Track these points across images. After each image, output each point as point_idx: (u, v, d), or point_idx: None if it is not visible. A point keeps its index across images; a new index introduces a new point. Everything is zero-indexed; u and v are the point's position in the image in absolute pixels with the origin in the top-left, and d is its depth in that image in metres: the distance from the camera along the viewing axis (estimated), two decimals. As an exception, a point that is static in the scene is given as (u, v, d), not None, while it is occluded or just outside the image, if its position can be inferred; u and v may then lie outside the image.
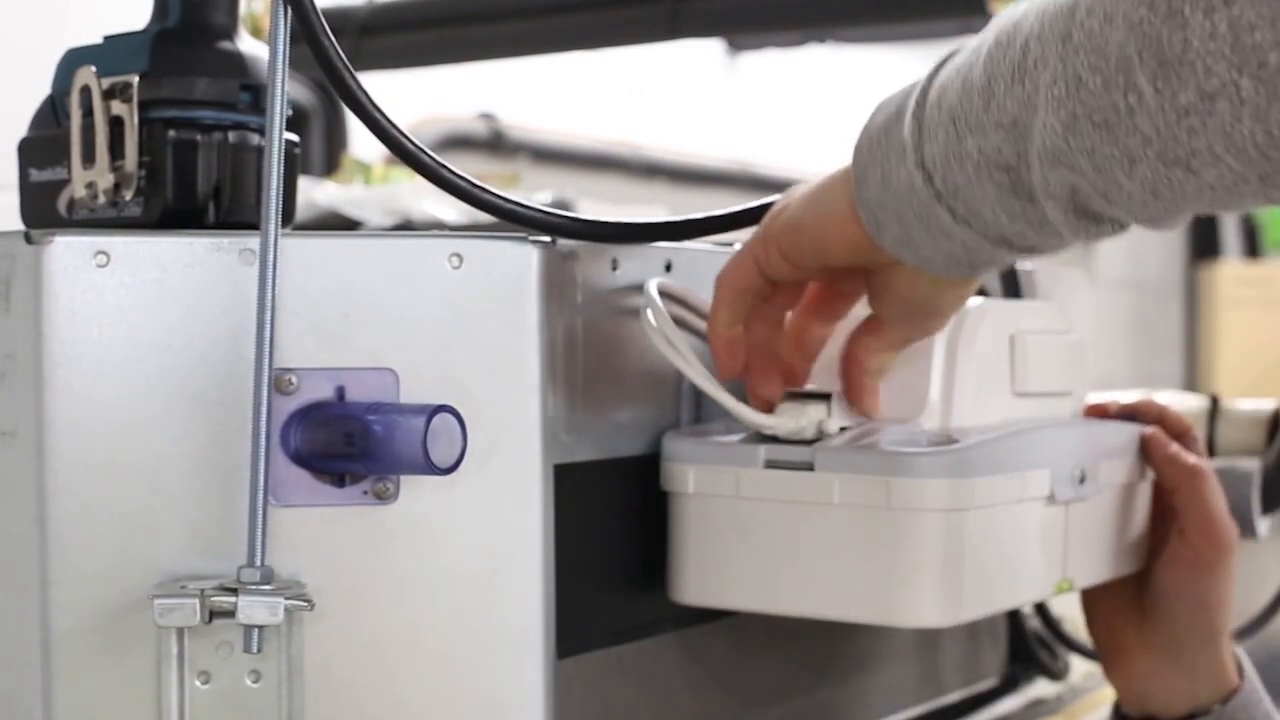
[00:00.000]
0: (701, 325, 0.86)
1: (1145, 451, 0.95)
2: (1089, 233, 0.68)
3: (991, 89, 0.67)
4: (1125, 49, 0.61)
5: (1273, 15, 0.57)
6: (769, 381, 0.82)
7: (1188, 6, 0.59)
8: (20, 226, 0.77)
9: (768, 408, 0.82)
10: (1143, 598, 0.95)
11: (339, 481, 0.71)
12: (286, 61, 0.71)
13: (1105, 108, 0.62)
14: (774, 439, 0.81)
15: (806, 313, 0.83)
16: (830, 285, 0.82)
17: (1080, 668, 1.25)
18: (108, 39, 0.80)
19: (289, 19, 0.71)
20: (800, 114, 4.14)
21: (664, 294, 0.82)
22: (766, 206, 0.81)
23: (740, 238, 0.85)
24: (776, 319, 0.82)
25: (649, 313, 0.80)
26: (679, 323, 0.84)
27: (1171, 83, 0.60)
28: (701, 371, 0.79)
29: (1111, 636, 0.98)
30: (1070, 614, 1.23)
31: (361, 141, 2.58)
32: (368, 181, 2.19)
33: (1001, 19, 0.69)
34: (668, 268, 0.85)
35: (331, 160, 2.64)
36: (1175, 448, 0.95)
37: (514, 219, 0.75)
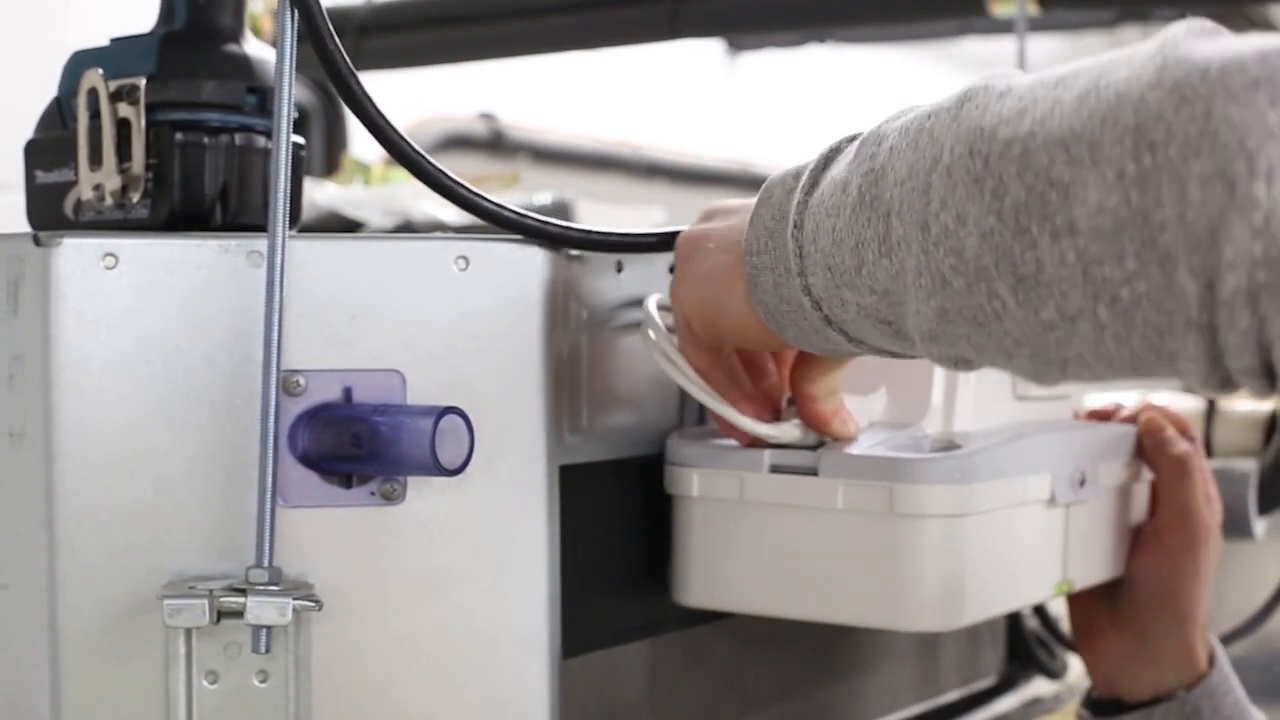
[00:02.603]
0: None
1: (1140, 435, 0.95)
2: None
3: (861, 255, 0.65)
4: (982, 258, 0.58)
5: (1118, 252, 0.53)
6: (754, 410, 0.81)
7: (1035, 227, 0.56)
8: (27, 228, 0.77)
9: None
10: (1117, 581, 0.96)
11: (346, 482, 0.71)
12: (294, 64, 0.71)
13: (973, 307, 0.60)
14: (778, 444, 0.81)
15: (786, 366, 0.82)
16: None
17: (1078, 667, 1.25)
18: (114, 41, 0.80)
19: (295, 21, 0.72)
20: (800, 114, 4.14)
21: (665, 308, 0.83)
22: None
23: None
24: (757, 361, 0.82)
25: (649, 330, 0.80)
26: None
27: (1032, 299, 0.57)
28: (703, 385, 0.80)
29: (1085, 617, 0.99)
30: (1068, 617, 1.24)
31: (361, 142, 2.58)
32: (367, 182, 2.19)
33: (864, 147, 0.67)
34: (671, 269, 0.86)
35: (331, 161, 2.64)
36: (1169, 433, 0.95)
37: (512, 227, 0.75)
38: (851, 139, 0.70)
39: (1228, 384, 0.53)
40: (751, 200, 0.74)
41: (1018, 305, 0.58)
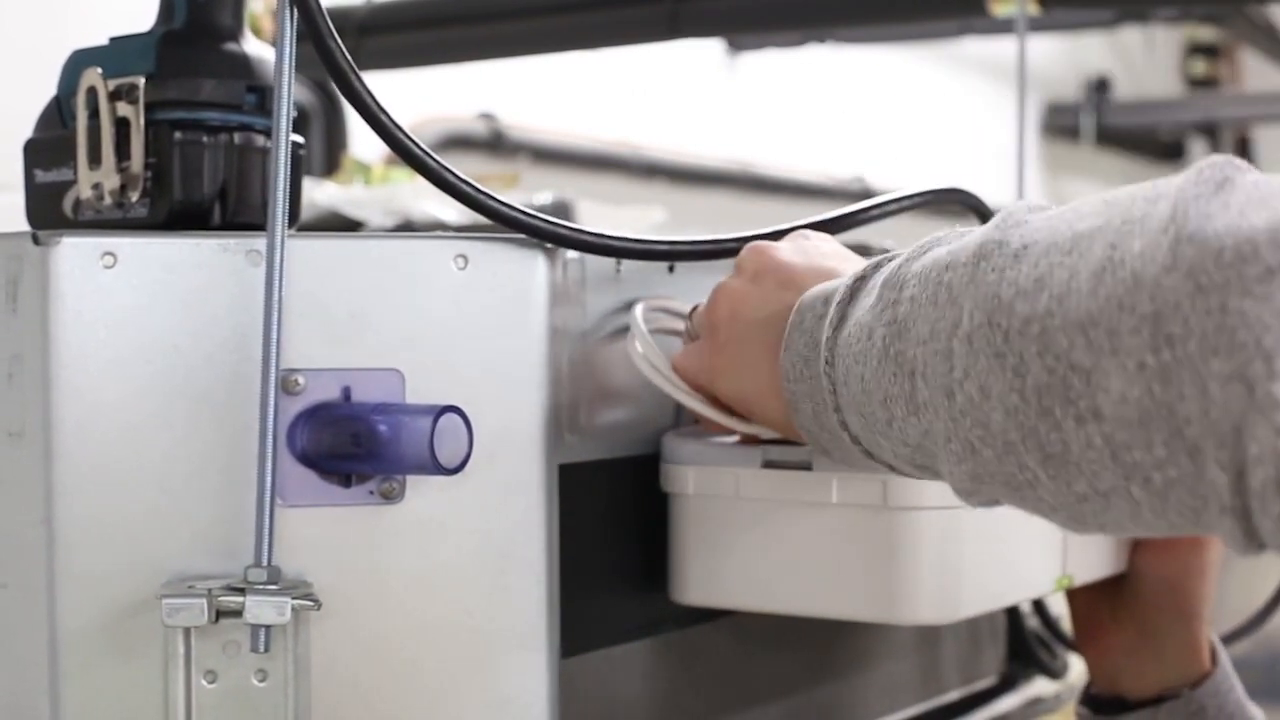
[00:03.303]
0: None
1: None
2: None
3: (890, 410, 0.65)
4: (1008, 433, 0.58)
5: (1146, 440, 0.53)
6: None
7: (1059, 409, 0.55)
8: (26, 227, 0.77)
9: None
10: (1120, 576, 0.96)
11: (345, 481, 0.71)
12: (293, 63, 0.71)
13: (1005, 474, 0.59)
14: (772, 440, 0.81)
15: None
16: None
17: (1079, 666, 1.25)
18: (113, 40, 0.80)
19: (294, 20, 0.72)
20: (800, 114, 4.14)
21: (657, 309, 0.83)
22: (766, 238, 0.81)
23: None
24: None
25: (635, 341, 0.80)
26: (675, 334, 0.84)
27: (1063, 474, 0.57)
28: (693, 395, 0.80)
29: (1087, 614, 0.98)
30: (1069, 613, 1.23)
31: (362, 142, 2.58)
32: (368, 182, 2.19)
33: (886, 290, 0.65)
34: (670, 269, 0.86)
35: (332, 160, 2.64)
36: None
37: (515, 225, 0.75)
38: (877, 265, 0.69)
39: (1263, 550, 0.53)
40: (794, 262, 0.75)
41: (1049, 479, 0.57)
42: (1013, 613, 1.18)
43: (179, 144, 0.76)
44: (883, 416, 0.65)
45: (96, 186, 0.76)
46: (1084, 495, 0.57)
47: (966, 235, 0.64)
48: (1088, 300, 0.54)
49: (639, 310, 0.81)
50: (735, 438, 0.83)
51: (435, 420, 0.68)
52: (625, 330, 0.82)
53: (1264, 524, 0.51)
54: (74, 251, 0.69)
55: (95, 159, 0.76)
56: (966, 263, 0.61)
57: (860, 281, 0.69)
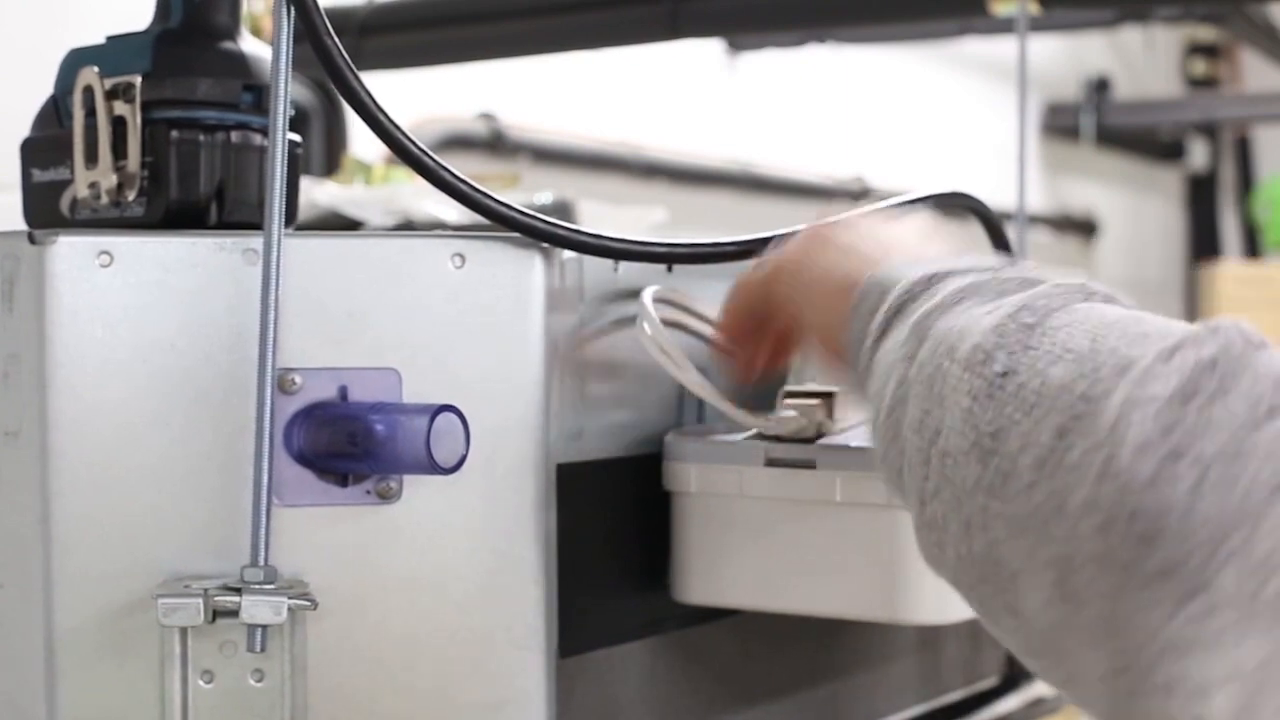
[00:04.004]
0: (701, 328, 0.86)
1: None
2: None
3: (894, 461, 0.62)
4: (957, 575, 0.57)
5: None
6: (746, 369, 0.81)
7: (993, 597, 0.54)
8: (23, 227, 0.77)
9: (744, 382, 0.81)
10: None
11: (342, 481, 0.71)
12: (290, 61, 0.71)
13: (960, 591, 0.58)
14: (776, 438, 0.81)
15: None
16: None
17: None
18: (110, 39, 0.80)
19: (292, 19, 0.71)
20: (800, 114, 4.14)
21: (663, 300, 0.83)
22: (761, 240, 0.81)
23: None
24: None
25: (644, 324, 0.80)
26: (677, 326, 0.84)
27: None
28: (699, 379, 0.80)
29: None
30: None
31: (362, 141, 2.58)
32: (368, 181, 2.19)
33: (912, 336, 0.62)
34: (669, 269, 0.86)
35: (332, 160, 2.64)
36: None
37: (513, 225, 0.75)
38: (931, 278, 0.65)
39: None
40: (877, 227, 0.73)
41: (988, 620, 0.57)
42: (1013, 613, 1.17)
43: (175, 143, 0.76)
44: (894, 451, 0.63)
45: (93, 185, 0.75)
46: (1019, 650, 0.55)
47: (991, 308, 0.59)
48: (1021, 495, 0.51)
49: (648, 294, 0.81)
50: (739, 435, 0.83)
51: (432, 420, 0.68)
52: (623, 329, 0.82)
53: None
54: (70, 251, 0.69)
55: (92, 158, 0.75)
56: (962, 362, 0.57)
57: (910, 295, 0.65)
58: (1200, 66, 6.01)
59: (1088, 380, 0.51)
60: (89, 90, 0.76)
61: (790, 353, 0.82)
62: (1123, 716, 0.48)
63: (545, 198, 2.18)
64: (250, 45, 0.79)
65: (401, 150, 0.74)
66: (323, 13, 0.72)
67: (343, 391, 0.71)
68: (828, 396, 0.82)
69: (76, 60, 0.79)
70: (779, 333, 0.79)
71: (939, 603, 0.79)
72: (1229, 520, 0.45)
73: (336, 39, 0.73)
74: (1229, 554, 0.45)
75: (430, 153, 0.75)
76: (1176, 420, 0.47)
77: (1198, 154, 6.14)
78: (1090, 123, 5.36)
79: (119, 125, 0.75)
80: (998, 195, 1.05)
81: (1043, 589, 0.50)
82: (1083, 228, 5.55)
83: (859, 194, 3.92)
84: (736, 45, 3.90)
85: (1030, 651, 0.53)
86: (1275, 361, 0.50)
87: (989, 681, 1.17)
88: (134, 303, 0.69)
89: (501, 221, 0.75)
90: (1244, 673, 0.44)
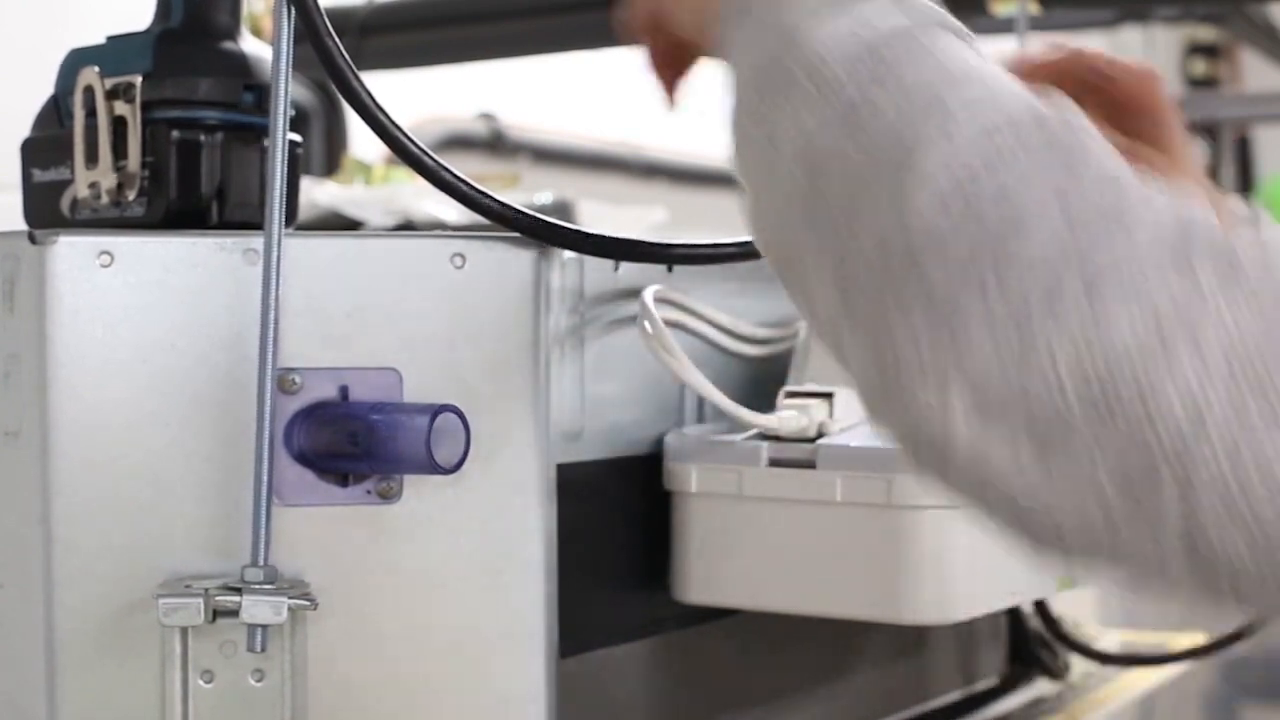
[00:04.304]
0: (701, 328, 0.86)
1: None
2: None
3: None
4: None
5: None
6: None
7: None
8: (23, 226, 0.77)
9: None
10: None
11: (343, 481, 0.71)
12: (290, 61, 0.71)
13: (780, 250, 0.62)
14: (776, 438, 0.81)
15: None
16: None
17: (1080, 667, 1.25)
18: (111, 39, 0.80)
19: (292, 19, 0.71)
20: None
21: (663, 300, 0.83)
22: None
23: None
24: None
25: (645, 323, 0.80)
26: (679, 327, 0.84)
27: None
28: (700, 378, 0.80)
29: None
30: (1070, 613, 1.23)
31: (362, 142, 2.58)
32: (368, 182, 2.19)
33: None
34: (669, 269, 0.86)
35: (332, 160, 2.64)
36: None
37: (512, 225, 0.75)
38: None
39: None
40: None
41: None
42: (1014, 613, 1.18)
43: (176, 143, 0.76)
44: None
45: (93, 185, 0.75)
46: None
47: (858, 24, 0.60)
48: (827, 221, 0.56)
49: (649, 293, 0.81)
50: (739, 435, 0.83)
51: (432, 419, 0.68)
52: (623, 329, 0.82)
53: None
54: (71, 251, 0.69)
55: (92, 158, 0.75)
56: (816, 81, 0.58)
57: None
58: (1200, 66, 6.01)
59: (912, 129, 0.55)
60: (89, 90, 0.76)
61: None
62: (882, 408, 0.54)
63: (545, 198, 2.18)
64: (250, 45, 0.79)
65: (401, 150, 0.74)
66: (323, 13, 0.72)
67: (343, 391, 0.71)
68: (828, 396, 0.82)
69: (77, 60, 0.79)
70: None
71: (939, 603, 0.79)
72: (983, 265, 0.51)
73: (337, 39, 0.73)
74: (978, 291, 0.51)
75: (430, 153, 0.75)
76: (974, 187, 0.53)
77: (1197, 153, 6.13)
78: (1090, 123, 5.35)
79: (119, 125, 0.75)
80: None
81: (823, 280, 0.56)
82: (1083, 228, 5.54)
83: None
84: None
85: (820, 335, 0.58)
86: (1088, 145, 0.54)
87: (988, 681, 1.17)
88: (134, 303, 0.69)
89: (501, 221, 0.75)
90: (979, 380, 0.51)
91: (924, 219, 0.53)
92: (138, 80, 0.75)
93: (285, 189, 0.70)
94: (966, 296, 0.51)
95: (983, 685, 1.16)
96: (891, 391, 0.53)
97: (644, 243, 0.80)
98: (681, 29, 0.76)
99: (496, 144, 3.20)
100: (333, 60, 0.73)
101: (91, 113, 0.75)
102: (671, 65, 0.82)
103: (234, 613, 0.66)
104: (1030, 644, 1.19)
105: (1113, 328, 0.50)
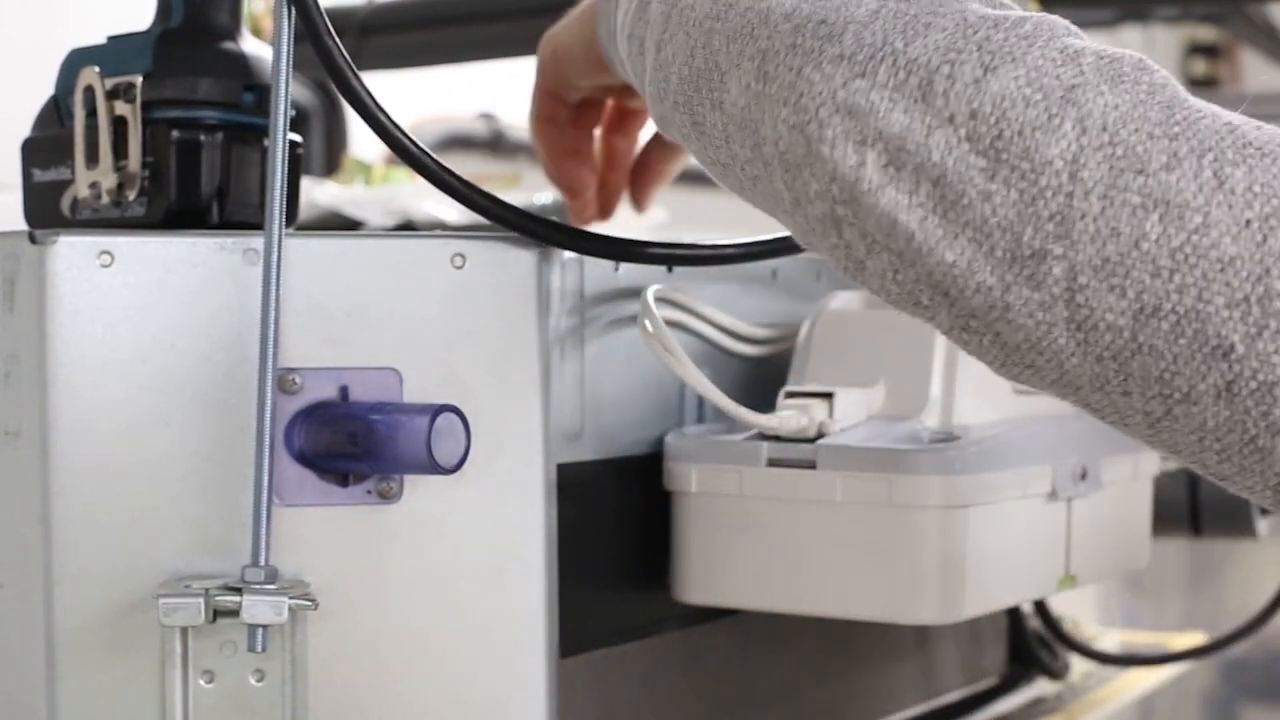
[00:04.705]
0: (702, 328, 0.86)
1: None
2: None
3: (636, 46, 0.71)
4: (677, 96, 0.66)
5: (743, 140, 0.63)
6: (584, 202, 0.92)
7: (704, 91, 0.64)
8: (23, 226, 0.77)
9: (587, 223, 0.89)
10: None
11: (343, 481, 0.71)
12: (290, 61, 0.71)
13: (676, 126, 0.68)
14: (776, 438, 0.81)
15: (609, 131, 0.92)
16: (619, 101, 0.91)
17: (1080, 667, 1.25)
18: (111, 39, 0.80)
19: (292, 19, 0.72)
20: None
21: (664, 300, 0.83)
22: (765, 243, 0.81)
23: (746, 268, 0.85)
24: (585, 142, 0.92)
25: (646, 322, 0.80)
26: (680, 326, 0.84)
27: (705, 142, 0.66)
28: (701, 378, 0.80)
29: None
30: (1070, 613, 1.23)
31: (362, 142, 2.58)
32: (368, 182, 2.19)
33: None
34: (669, 269, 0.86)
35: (332, 160, 2.64)
36: None
37: (512, 225, 0.75)
38: None
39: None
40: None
41: (697, 139, 0.66)
42: (1014, 613, 1.18)
43: (176, 143, 0.76)
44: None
45: (94, 185, 0.75)
46: (714, 161, 0.66)
47: None
48: (739, 16, 0.62)
49: (650, 292, 0.81)
50: (739, 435, 0.83)
51: (433, 419, 0.68)
52: (624, 329, 0.82)
53: (821, 246, 0.60)
54: (71, 250, 0.69)
55: (92, 158, 0.75)
56: None
57: None
58: (1200, 66, 6.01)
59: None
60: (90, 90, 0.76)
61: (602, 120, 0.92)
62: (804, 168, 0.58)
63: (545, 198, 2.18)
64: (251, 45, 0.79)
65: (401, 150, 0.74)
66: (323, 13, 0.72)
67: (343, 391, 0.71)
68: (828, 396, 0.82)
69: (77, 60, 0.79)
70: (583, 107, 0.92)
71: (939, 603, 0.79)
72: (891, 34, 0.57)
73: (337, 39, 0.73)
74: (887, 53, 0.56)
75: (430, 153, 0.75)
76: None
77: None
78: (1090, 123, 5.35)
79: (120, 125, 0.75)
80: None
81: (745, 76, 0.61)
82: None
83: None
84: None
85: (731, 140, 0.63)
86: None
87: (989, 681, 1.17)
88: (134, 303, 0.69)
89: (501, 221, 0.75)
90: (888, 136, 0.56)
91: None
92: (138, 80, 0.75)
93: (285, 189, 0.70)
94: (878, 59, 0.57)
95: (982, 685, 1.16)
96: (813, 145, 0.57)
97: (644, 243, 0.80)
98: (577, 71, 0.86)
99: (496, 144, 3.20)
100: (333, 60, 0.73)
101: (92, 113, 0.76)
102: (615, 143, 0.93)
103: (234, 613, 0.66)
104: (1030, 644, 1.19)
105: (1004, 83, 0.55)
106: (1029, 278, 0.54)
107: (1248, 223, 0.52)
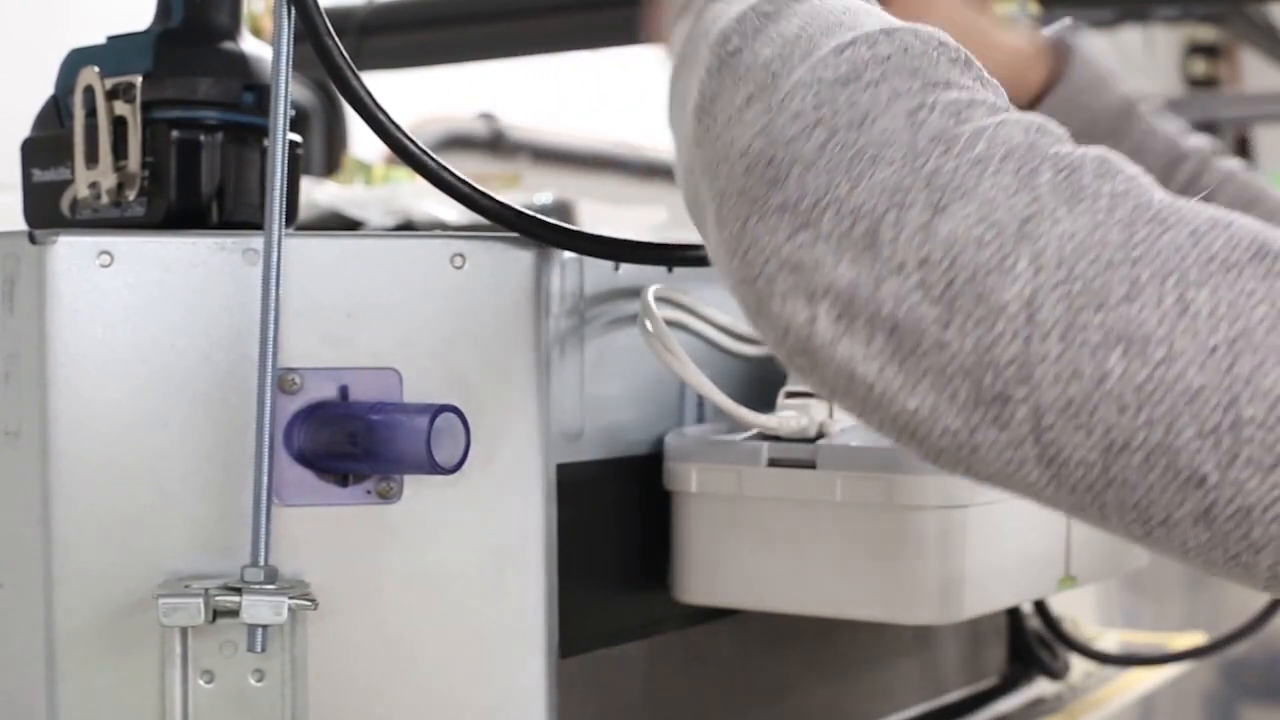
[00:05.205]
0: (702, 328, 0.86)
1: None
2: None
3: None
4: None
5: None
6: None
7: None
8: (23, 226, 0.77)
9: None
10: None
11: (342, 481, 0.71)
12: (290, 61, 0.71)
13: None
14: (776, 438, 0.81)
15: None
16: None
17: (1080, 667, 1.25)
18: (111, 39, 0.80)
19: (292, 19, 0.72)
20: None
21: (663, 299, 0.83)
22: None
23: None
24: None
25: (646, 321, 0.80)
26: (680, 326, 0.84)
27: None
28: (701, 377, 0.80)
29: None
30: (1070, 613, 1.23)
31: (362, 142, 2.58)
32: (368, 181, 2.19)
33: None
34: (669, 269, 0.86)
35: (332, 160, 2.64)
36: None
37: (512, 225, 0.75)
38: None
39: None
40: None
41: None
42: (1014, 613, 1.18)
43: (176, 143, 0.76)
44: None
45: (94, 185, 0.75)
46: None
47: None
48: (711, 144, 0.60)
49: (650, 292, 0.81)
50: (739, 435, 0.83)
51: (432, 419, 0.68)
52: (624, 329, 0.82)
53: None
54: (71, 250, 0.69)
55: (92, 158, 0.75)
56: (709, 42, 0.63)
57: None
58: (1200, 66, 6.01)
59: (780, 60, 0.59)
60: (90, 90, 0.76)
61: None
62: (758, 319, 0.57)
63: (545, 198, 2.18)
64: (251, 45, 0.79)
65: (401, 150, 0.74)
66: (323, 13, 0.72)
67: (343, 391, 0.71)
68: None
69: (77, 60, 0.79)
70: None
71: (939, 603, 0.79)
72: (836, 175, 0.55)
73: (337, 39, 0.73)
74: (831, 200, 0.55)
75: (430, 153, 0.75)
76: (828, 99, 0.56)
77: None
78: (1090, 123, 5.35)
79: (120, 125, 0.75)
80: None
81: (710, 216, 0.59)
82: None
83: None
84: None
85: (714, 260, 0.61)
86: (940, 63, 0.58)
87: (989, 681, 1.17)
88: (134, 303, 0.69)
89: (501, 221, 0.75)
90: (837, 290, 0.54)
91: (781, 130, 0.56)
92: (138, 80, 0.75)
93: (285, 189, 0.70)
94: (821, 207, 0.55)
95: (982, 685, 1.16)
96: (764, 302, 0.56)
97: (644, 243, 0.80)
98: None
99: (496, 144, 3.20)
100: (333, 60, 0.73)
101: (92, 113, 0.75)
102: None
103: (234, 613, 0.66)
104: (1030, 644, 1.19)
105: (954, 224, 0.53)
106: (994, 419, 0.52)
107: (1213, 349, 0.50)
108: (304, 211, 0.87)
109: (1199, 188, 0.93)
